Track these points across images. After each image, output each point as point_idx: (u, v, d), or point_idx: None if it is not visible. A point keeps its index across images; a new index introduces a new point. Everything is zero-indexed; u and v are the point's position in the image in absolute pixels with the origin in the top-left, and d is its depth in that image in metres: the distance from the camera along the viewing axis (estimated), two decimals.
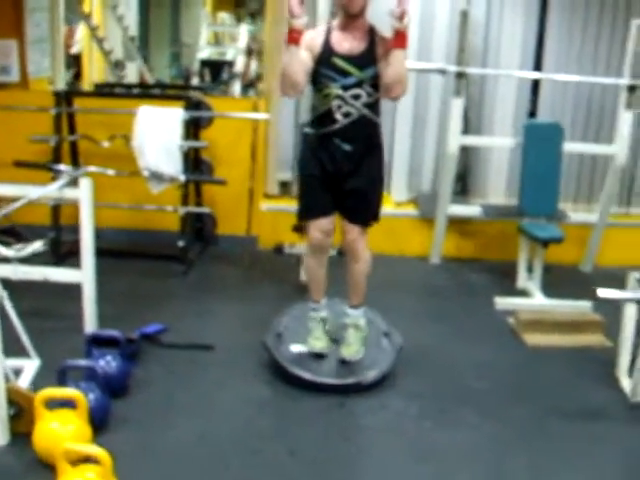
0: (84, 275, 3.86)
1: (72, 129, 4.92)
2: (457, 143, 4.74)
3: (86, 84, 7.10)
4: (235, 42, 10.31)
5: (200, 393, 3.36)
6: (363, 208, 3.46)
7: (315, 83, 3.26)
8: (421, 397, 3.41)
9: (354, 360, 3.47)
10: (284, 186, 5.51)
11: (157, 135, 4.60)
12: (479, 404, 3.39)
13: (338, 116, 3.24)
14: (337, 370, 3.45)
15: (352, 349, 3.50)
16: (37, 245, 3.71)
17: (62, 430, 2.77)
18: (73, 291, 3.78)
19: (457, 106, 4.68)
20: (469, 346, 4.02)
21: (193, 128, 4.79)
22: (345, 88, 3.21)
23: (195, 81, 8.84)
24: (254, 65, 10.00)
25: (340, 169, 3.33)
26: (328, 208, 3.42)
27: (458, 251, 5.38)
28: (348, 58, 3.21)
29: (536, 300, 4.56)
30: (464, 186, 5.28)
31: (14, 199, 4.29)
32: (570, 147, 4.85)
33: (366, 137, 3.34)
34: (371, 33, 3.28)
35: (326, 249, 3.50)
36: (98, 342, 3.41)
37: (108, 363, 3.24)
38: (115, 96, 5.34)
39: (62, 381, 3.06)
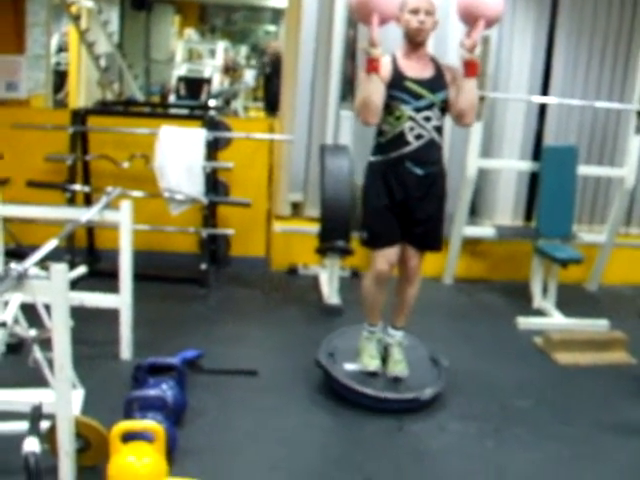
0: (122, 300, 3.79)
1: (85, 149, 4.81)
2: (476, 166, 4.83)
3: (73, 102, 6.94)
4: (204, 58, 10.31)
5: (258, 420, 3.30)
6: (432, 235, 3.52)
7: (386, 107, 3.27)
8: (474, 418, 3.44)
9: (403, 376, 3.52)
10: (295, 207, 5.51)
11: (179, 156, 4.54)
12: (530, 423, 3.45)
13: (410, 138, 3.28)
14: (394, 386, 3.49)
15: (401, 365, 3.57)
16: (80, 270, 3.61)
17: (140, 464, 2.68)
18: (99, 315, 3.72)
19: (476, 129, 4.76)
20: (503, 366, 4.07)
21: (212, 149, 4.73)
22: (417, 110, 3.27)
23: (172, 98, 8.75)
24: (226, 83, 10.02)
25: (410, 196, 3.36)
26: (396, 237, 3.44)
27: (468, 271, 5.45)
28: (419, 82, 3.28)
29: (556, 320, 4.66)
30: (473, 207, 5.35)
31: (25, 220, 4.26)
32: (583, 170, 5.01)
33: (435, 161, 3.40)
34: (434, 61, 3.39)
35: (389, 278, 3.51)
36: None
37: (171, 392, 3.17)
38: (133, 115, 5.23)
39: (129, 412, 2.98)
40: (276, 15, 12.95)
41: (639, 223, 5.69)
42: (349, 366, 3.57)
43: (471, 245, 5.40)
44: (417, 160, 3.31)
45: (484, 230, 5.31)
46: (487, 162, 5.11)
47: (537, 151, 5.35)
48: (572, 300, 5.06)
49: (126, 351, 3.79)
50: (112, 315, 3.75)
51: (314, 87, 5.28)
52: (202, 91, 8.91)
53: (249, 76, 11.19)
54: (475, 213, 5.48)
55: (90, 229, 4.97)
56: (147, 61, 10.13)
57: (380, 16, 3.13)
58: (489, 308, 5.05)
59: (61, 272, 2.63)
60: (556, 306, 4.85)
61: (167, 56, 10.36)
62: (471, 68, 3.26)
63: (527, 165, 5.18)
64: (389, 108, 3.28)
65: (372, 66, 3.17)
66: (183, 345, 3.80)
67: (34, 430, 2.34)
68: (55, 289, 2.63)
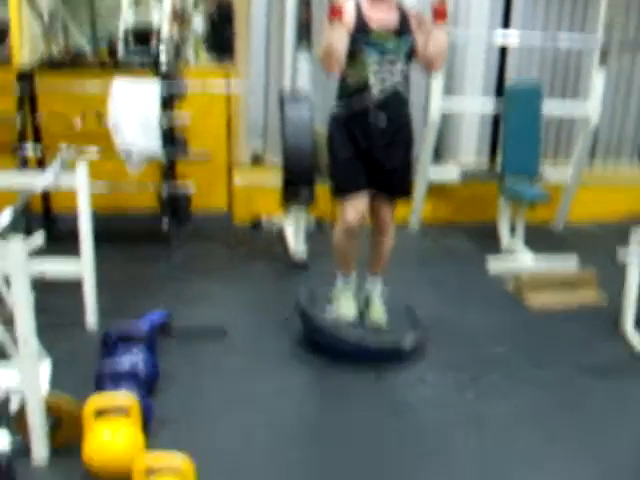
0: (84, 267, 3.64)
1: (34, 107, 4.58)
2: (440, 107, 4.72)
3: (17, 57, 6.58)
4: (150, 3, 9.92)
5: (232, 383, 3.23)
6: (401, 181, 3.46)
7: (350, 55, 3.15)
8: (451, 367, 3.41)
9: (383, 323, 3.53)
10: (255, 156, 5.35)
11: (134, 111, 4.34)
12: (507, 369, 3.43)
13: (375, 88, 3.19)
14: (375, 334, 3.49)
15: (381, 312, 3.58)
16: (37, 237, 3.45)
17: (116, 440, 2.57)
18: (60, 281, 3.56)
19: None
20: (476, 312, 4.05)
21: (167, 102, 4.53)
22: (382, 59, 3.17)
23: (121, 50, 8.38)
24: (175, 31, 9.65)
25: (375, 144, 3.28)
26: (363, 183, 3.36)
27: (434, 215, 5.39)
28: (385, 29, 3.17)
29: (525, 260, 4.64)
30: (436, 149, 5.25)
31: None
32: (547, 106, 4.93)
33: (399, 113, 3.32)
34: (399, 7, 3.27)
35: (359, 231, 3.43)
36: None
37: (142, 361, 3.05)
38: (84, 70, 4.99)
39: (101, 386, 2.88)
40: None
41: (603, 157, 5.70)
42: (329, 314, 3.53)
43: (435, 188, 5.31)
44: (381, 109, 3.22)
45: (449, 172, 5.22)
46: (451, 102, 4.99)
47: (500, 87, 5.27)
48: (540, 240, 5.00)
49: (92, 318, 3.65)
50: (74, 281, 3.61)
51: (269, 32, 5.11)
52: (151, 42, 8.56)
53: (197, 23, 10.81)
54: (439, 155, 5.39)
55: (45, 192, 4.76)
56: (92, 13, 9.70)
57: None
58: (458, 252, 5.02)
59: (18, 243, 2.50)
60: (525, 246, 4.82)
61: (113, 4, 9.93)
62: (439, 14, 3.17)
63: (491, 103, 5.07)
64: (353, 56, 3.16)
65: (335, 13, 3.03)
66: (149, 308, 3.66)
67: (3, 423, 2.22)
68: (13, 262, 2.50)
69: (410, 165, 3.49)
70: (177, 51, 8.98)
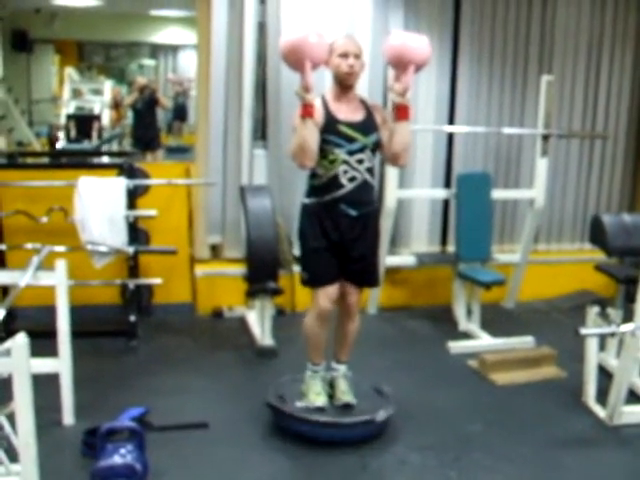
0: (62, 364, 3.62)
1: None
2: (395, 197, 4.94)
3: None
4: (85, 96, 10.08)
5: (221, 475, 3.22)
6: (369, 272, 3.59)
7: (320, 151, 3.30)
8: (432, 448, 3.48)
9: (352, 403, 3.56)
10: (214, 249, 5.45)
11: (101, 207, 4.39)
12: (485, 446, 3.51)
13: (344, 181, 3.34)
14: (347, 412, 3.53)
15: (349, 395, 3.61)
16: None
17: None
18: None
19: None
20: (444, 392, 4.16)
21: (131, 197, 4.61)
22: (351, 153, 3.33)
23: (62, 138, 8.46)
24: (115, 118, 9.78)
25: (344, 236, 3.41)
26: (335, 275, 3.49)
27: (390, 300, 5.55)
28: (352, 125, 3.34)
29: (484, 341, 4.83)
30: (391, 237, 5.45)
31: None
32: (496, 194, 5.23)
33: (368, 202, 3.47)
34: (363, 102, 3.46)
35: (331, 315, 3.54)
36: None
37: (134, 459, 3.04)
38: (48, 167, 5.01)
39: None
40: (154, 49, 12.90)
41: (546, 239, 6.05)
42: (300, 404, 3.57)
43: (391, 274, 5.49)
44: (351, 202, 3.38)
45: (405, 259, 5.43)
46: (406, 192, 5.26)
47: (447, 178, 5.57)
48: (493, 319, 5.25)
49: (69, 416, 3.61)
50: (43, 379, 3.55)
51: (227, 128, 5.26)
52: (92, 129, 8.63)
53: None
54: (393, 243, 5.59)
55: (4, 288, 4.72)
56: (30, 102, 9.77)
57: (312, 61, 3.17)
58: (417, 335, 5.15)
59: (23, 346, 2.51)
60: (480, 327, 5.02)
61: (49, 96, 10.04)
62: (403, 112, 3.34)
63: (443, 193, 5.36)
64: (323, 152, 3.32)
65: (306, 111, 3.20)
66: (124, 403, 3.68)
67: None
68: (17, 364, 2.51)
69: (377, 256, 3.62)
70: (120, 142, 9.15)
